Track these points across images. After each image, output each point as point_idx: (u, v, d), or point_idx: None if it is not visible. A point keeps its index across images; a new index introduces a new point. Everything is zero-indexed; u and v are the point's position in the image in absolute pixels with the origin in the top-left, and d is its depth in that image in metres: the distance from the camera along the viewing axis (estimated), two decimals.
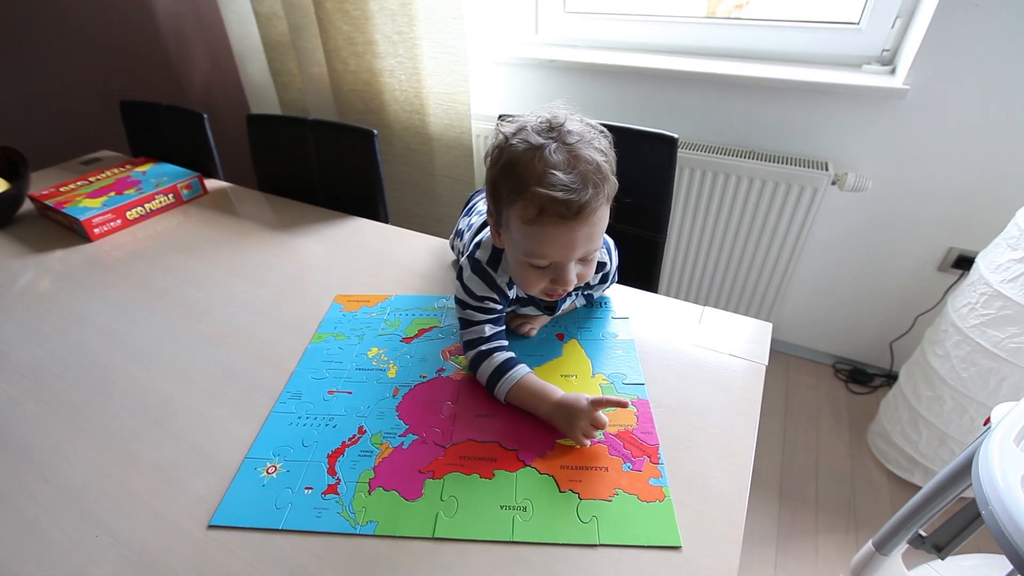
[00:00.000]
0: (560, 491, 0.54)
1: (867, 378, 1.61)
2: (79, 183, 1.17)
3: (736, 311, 1.05)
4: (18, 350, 0.77)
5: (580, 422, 0.58)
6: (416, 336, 0.76)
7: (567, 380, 0.67)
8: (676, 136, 0.93)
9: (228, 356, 0.74)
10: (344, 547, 0.50)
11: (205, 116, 1.25)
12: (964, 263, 1.33)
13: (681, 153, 1.40)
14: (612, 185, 0.57)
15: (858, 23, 1.29)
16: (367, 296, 0.85)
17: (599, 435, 0.59)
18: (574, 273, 0.60)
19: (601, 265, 0.71)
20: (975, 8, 1.07)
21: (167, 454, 0.60)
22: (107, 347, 0.77)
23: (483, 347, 0.66)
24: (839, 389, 1.62)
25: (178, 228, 1.09)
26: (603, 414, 0.58)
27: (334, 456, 0.59)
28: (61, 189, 1.14)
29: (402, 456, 0.58)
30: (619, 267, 0.79)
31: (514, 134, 0.57)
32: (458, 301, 0.68)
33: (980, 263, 1.09)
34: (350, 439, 0.61)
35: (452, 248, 0.90)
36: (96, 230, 1.05)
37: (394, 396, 0.66)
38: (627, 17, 1.51)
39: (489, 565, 0.48)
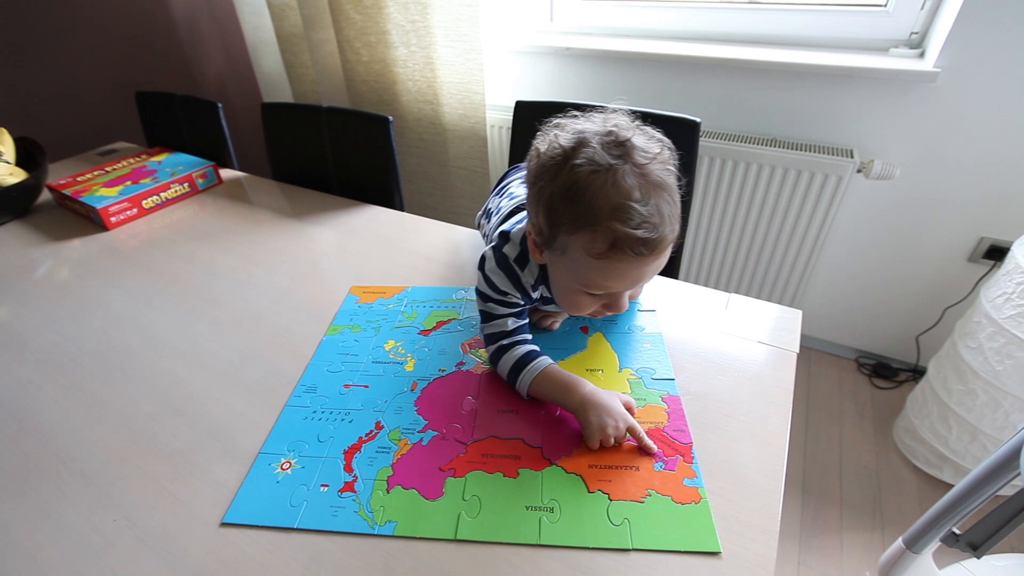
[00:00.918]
0: (589, 491, 0.51)
1: (892, 372, 1.57)
2: (96, 173, 1.17)
3: None
4: (37, 336, 0.77)
5: (610, 425, 0.54)
6: (434, 328, 0.74)
7: (593, 375, 0.64)
8: (698, 120, 0.91)
9: (244, 342, 0.73)
10: (362, 547, 0.47)
11: (219, 105, 1.25)
12: (997, 253, 1.28)
13: (702, 141, 1.37)
14: (679, 208, 0.52)
15: (885, 5, 1.25)
16: (383, 287, 0.83)
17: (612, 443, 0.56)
18: (627, 298, 0.57)
19: None
20: None
21: (185, 439, 0.59)
22: (124, 333, 0.76)
23: (504, 341, 0.63)
24: (863, 384, 1.58)
25: (193, 217, 1.09)
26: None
27: (351, 452, 0.57)
28: (78, 179, 1.14)
29: (421, 453, 0.56)
30: None
31: (576, 149, 0.50)
32: (479, 293, 0.64)
33: (1016, 251, 1.05)
34: (367, 435, 0.59)
35: (479, 226, 0.87)
36: (113, 219, 1.04)
37: (412, 390, 0.64)
38: (644, 3, 1.48)
39: (515, 569, 0.45)
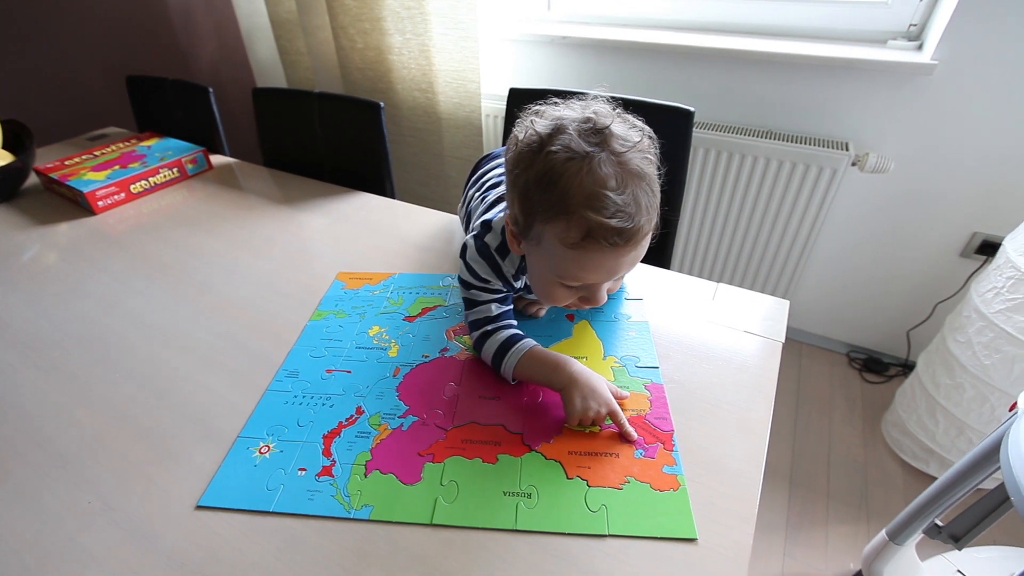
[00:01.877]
0: (567, 477, 0.52)
1: (882, 367, 1.57)
2: (84, 157, 1.16)
3: None
4: (19, 319, 0.76)
5: (592, 408, 0.54)
6: (420, 315, 0.74)
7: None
8: (692, 110, 0.90)
9: (228, 327, 0.73)
10: (337, 531, 0.47)
11: (210, 90, 1.24)
12: (988, 249, 1.28)
13: (697, 132, 1.36)
14: (658, 198, 0.51)
15: None
16: (370, 274, 0.82)
17: (596, 429, 0.56)
18: (605, 291, 0.56)
19: None
20: None
21: (164, 422, 0.59)
22: (108, 317, 0.76)
23: (489, 327, 0.62)
24: (853, 378, 1.58)
25: (182, 202, 1.08)
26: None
27: (330, 437, 0.57)
28: (66, 162, 1.13)
29: (401, 438, 0.56)
30: None
31: (552, 135, 0.49)
32: (462, 281, 0.64)
33: (1008, 246, 1.05)
34: (347, 419, 0.59)
35: (460, 219, 0.87)
36: (100, 203, 1.03)
37: (395, 376, 0.64)
38: None
39: (488, 553, 0.45)
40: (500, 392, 0.61)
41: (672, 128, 0.91)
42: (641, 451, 0.54)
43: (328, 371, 0.65)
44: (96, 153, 1.18)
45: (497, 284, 0.63)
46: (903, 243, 1.40)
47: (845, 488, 1.30)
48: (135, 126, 1.46)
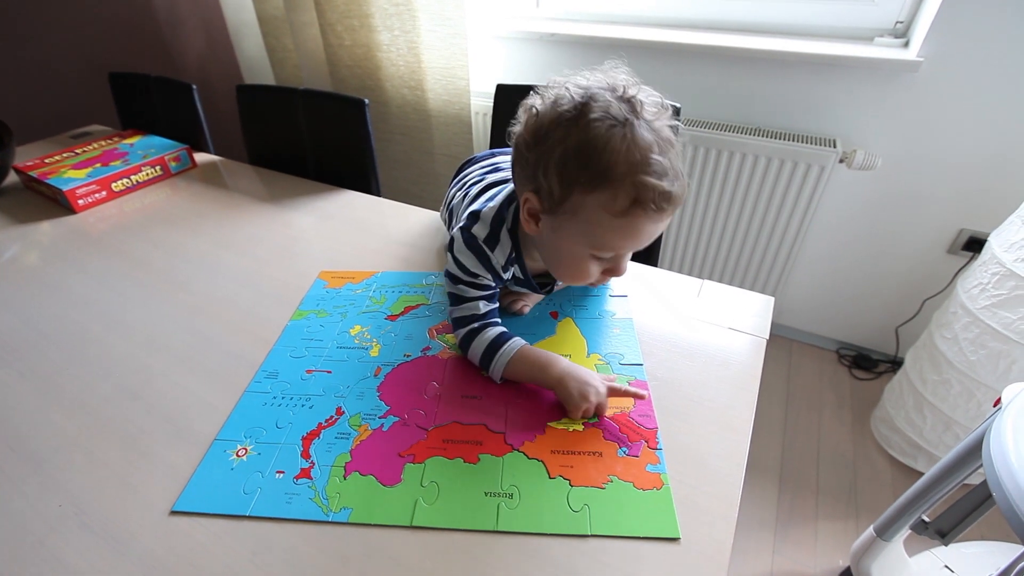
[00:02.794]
0: (550, 477, 0.51)
1: (871, 364, 1.58)
2: (65, 155, 1.14)
3: None
4: None
5: (591, 395, 0.54)
6: (402, 313, 0.73)
7: None
8: (678, 105, 0.89)
9: (208, 326, 0.72)
10: (314, 534, 0.46)
11: (194, 87, 1.22)
12: (975, 245, 1.29)
13: (686, 129, 1.36)
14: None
15: None
16: (352, 272, 0.81)
17: (594, 419, 0.56)
18: (627, 262, 0.57)
19: None
20: None
21: (140, 424, 0.58)
22: (85, 317, 0.74)
23: (475, 324, 0.61)
24: (842, 375, 1.59)
25: (165, 201, 1.06)
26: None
27: (309, 438, 0.56)
28: (46, 160, 1.11)
29: (382, 439, 0.55)
30: None
31: (588, 103, 0.49)
32: (449, 275, 0.63)
33: (993, 242, 1.05)
34: (327, 420, 0.57)
35: (443, 220, 0.86)
36: (80, 201, 1.02)
37: (376, 376, 0.63)
38: None
39: (468, 556, 0.45)
40: (482, 391, 0.60)
41: None
42: (624, 449, 0.53)
43: (308, 371, 0.64)
44: (77, 151, 1.16)
45: (486, 278, 0.62)
46: (891, 240, 1.40)
47: (834, 484, 1.30)
48: (119, 124, 1.44)
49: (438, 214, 0.94)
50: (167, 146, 1.17)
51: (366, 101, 1.02)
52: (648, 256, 0.98)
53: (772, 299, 0.71)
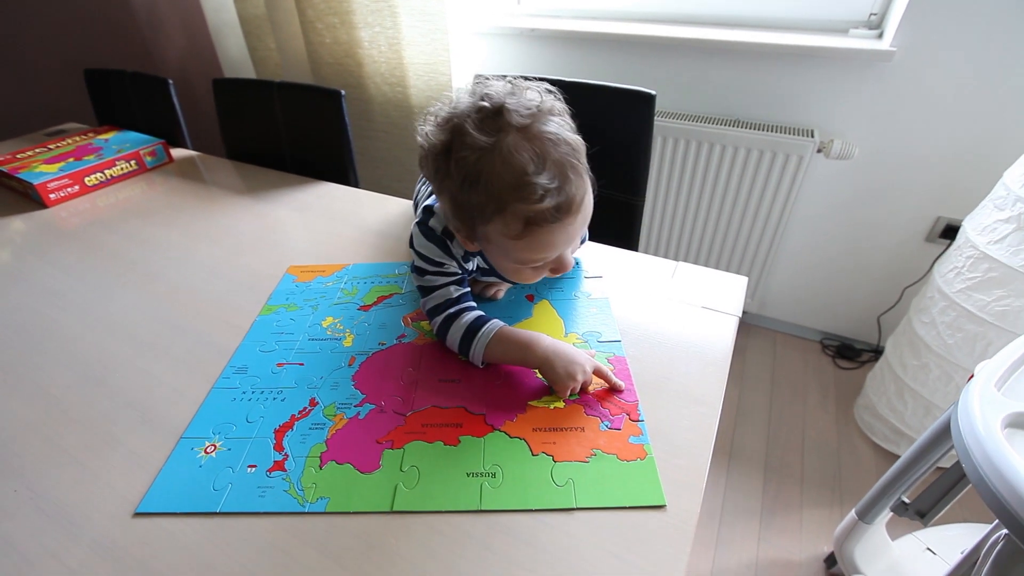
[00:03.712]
0: (533, 454, 0.50)
1: (855, 353, 1.59)
2: (37, 150, 1.13)
3: None
4: None
5: (578, 374, 0.54)
6: (375, 303, 0.72)
7: None
8: (653, 93, 0.90)
9: (177, 315, 0.71)
10: (290, 526, 0.45)
11: (170, 81, 1.21)
12: (952, 233, 1.30)
13: (664, 122, 1.37)
14: (583, 149, 0.50)
15: None
16: (322, 266, 0.80)
17: (574, 396, 0.56)
18: (570, 255, 0.56)
19: None
20: None
21: (102, 410, 0.57)
22: (50, 308, 0.73)
23: (451, 310, 0.61)
24: (826, 365, 1.60)
25: (140, 195, 1.05)
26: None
27: (282, 431, 0.54)
28: (18, 156, 1.10)
29: (358, 427, 0.54)
30: (593, 232, 0.75)
31: (453, 137, 0.48)
32: (415, 269, 0.62)
33: (967, 226, 1.07)
34: (300, 412, 0.56)
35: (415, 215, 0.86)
36: (52, 195, 1.00)
37: (350, 365, 0.62)
38: None
39: (449, 538, 0.44)
40: (460, 375, 0.60)
41: (634, 112, 0.91)
42: (607, 423, 0.53)
43: (279, 365, 0.63)
44: (50, 146, 1.14)
45: (451, 266, 0.62)
46: (871, 230, 1.41)
47: (819, 473, 1.30)
48: (96, 122, 1.42)
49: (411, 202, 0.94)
50: (142, 141, 1.16)
51: (342, 92, 1.01)
52: (626, 246, 0.99)
53: (745, 279, 0.71)
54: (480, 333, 0.58)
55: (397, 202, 0.96)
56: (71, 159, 1.08)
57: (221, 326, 0.68)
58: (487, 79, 0.53)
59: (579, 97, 0.93)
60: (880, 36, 1.24)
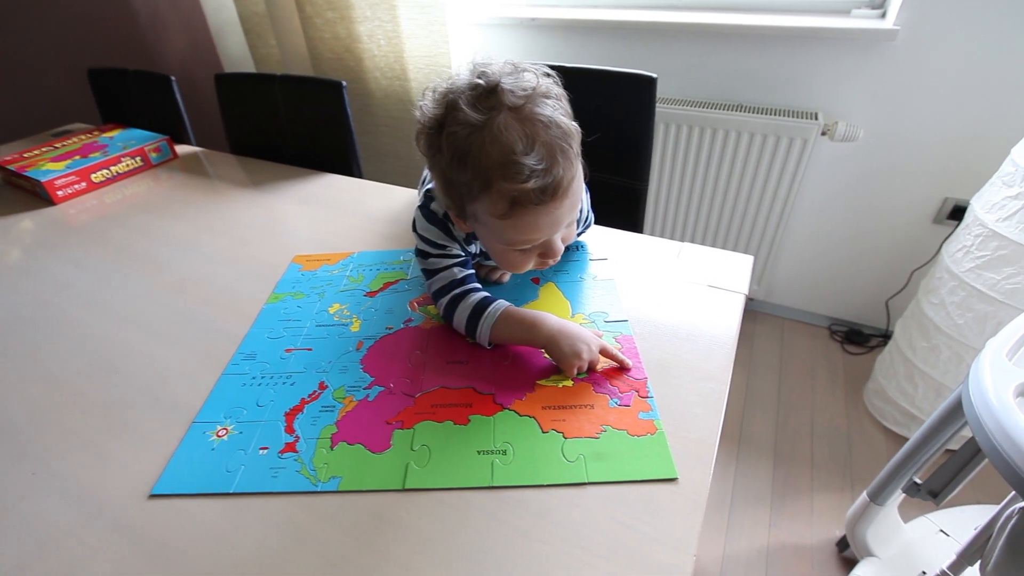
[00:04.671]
0: (543, 432, 0.51)
1: (863, 339, 1.58)
2: (44, 149, 1.14)
3: None
4: None
5: (584, 353, 0.54)
6: (381, 289, 0.72)
7: None
8: (655, 76, 0.89)
9: (186, 303, 0.71)
10: (304, 504, 0.45)
11: (172, 78, 1.22)
12: (960, 214, 1.29)
13: (667, 108, 1.36)
14: (577, 135, 0.51)
15: None
16: (328, 255, 0.81)
17: (582, 375, 0.56)
18: (560, 242, 0.56)
19: None
20: None
21: (115, 395, 0.57)
22: (62, 300, 0.74)
23: (456, 291, 0.61)
24: (835, 350, 1.59)
25: (146, 190, 1.06)
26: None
27: (292, 414, 0.55)
28: (25, 155, 1.11)
29: (367, 409, 0.55)
30: (598, 217, 0.76)
31: (446, 114, 0.48)
32: (419, 253, 0.63)
33: (975, 204, 1.06)
34: (310, 395, 0.57)
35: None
36: (60, 192, 1.01)
37: (358, 350, 0.62)
38: None
39: (462, 513, 0.44)
40: (468, 356, 0.60)
41: (635, 96, 0.91)
42: (616, 400, 0.53)
43: (288, 350, 0.63)
44: (56, 145, 1.15)
45: (455, 248, 0.62)
46: (878, 213, 1.40)
47: (829, 458, 1.30)
48: (100, 122, 1.43)
49: (415, 191, 0.94)
50: (146, 137, 1.17)
51: (343, 83, 1.02)
52: (633, 228, 0.98)
53: (751, 257, 0.71)
54: (486, 313, 0.58)
55: (401, 191, 0.96)
56: (77, 157, 1.09)
57: (229, 314, 0.68)
58: (490, 62, 0.53)
59: (580, 82, 0.94)
60: (883, 15, 1.22)
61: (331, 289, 0.73)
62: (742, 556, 1.12)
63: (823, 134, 1.28)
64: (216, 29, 1.93)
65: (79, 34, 1.58)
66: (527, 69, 0.51)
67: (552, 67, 0.54)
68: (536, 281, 0.71)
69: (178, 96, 1.23)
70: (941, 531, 1.02)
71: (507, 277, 0.71)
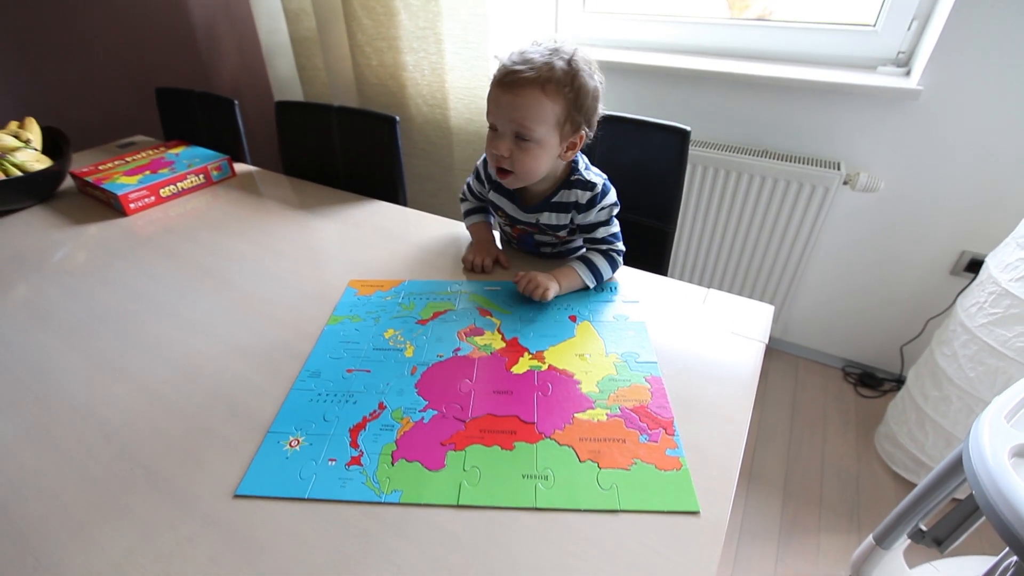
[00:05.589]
0: (580, 461, 0.56)
1: (877, 382, 1.61)
2: (116, 162, 1.23)
3: None
4: (59, 309, 0.82)
5: (471, 255, 0.87)
6: (431, 318, 0.79)
7: (582, 358, 0.70)
8: (688, 129, 0.96)
9: (252, 319, 0.78)
10: (371, 513, 0.51)
11: (235, 102, 1.31)
12: (977, 266, 1.33)
13: (695, 150, 1.43)
14: (565, 89, 0.71)
15: (874, 25, 1.31)
16: (381, 281, 0.87)
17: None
18: (506, 145, 0.74)
19: (590, 185, 0.80)
20: (990, 9, 1.08)
21: (196, 403, 0.64)
22: (139, 308, 0.82)
23: (466, 202, 0.96)
24: (848, 392, 1.62)
25: (207, 206, 1.14)
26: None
27: (356, 430, 0.61)
28: (100, 167, 1.20)
29: (423, 430, 0.60)
30: (627, 257, 0.83)
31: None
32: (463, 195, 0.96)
33: (990, 262, 1.10)
34: (371, 414, 0.63)
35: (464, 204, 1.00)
36: (132, 205, 1.10)
37: (412, 374, 0.69)
38: (645, 17, 1.54)
39: (511, 530, 0.49)
40: (512, 387, 0.66)
41: (669, 146, 0.98)
42: (646, 436, 0.59)
43: (348, 371, 0.70)
44: (128, 159, 1.25)
45: (478, 166, 0.91)
46: (896, 261, 1.44)
47: (837, 498, 1.33)
48: (162, 135, 1.54)
49: (459, 224, 1.01)
50: (210, 156, 1.26)
51: (397, 119, 1.10)
52: (658, 268, 1.04)
53: (772, 307, 0.76)
54: (466, 220, 0.95)
55: (443, 222, 1.03)
56: (147, 172, 1.18)
57: (293, 332, 0.76)
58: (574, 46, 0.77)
59: (619, 130, 1.01)
60: (908, 74, 1.28)
61: (385, 315, 0.80)
62: None
63: (845, 183, 1.34)
64: (268, 50, 2.05)
65: (141, 49, 1.70)
66: (589, 61, 0.76)
67: None
68: (573, 319, 0.77)
69: (239, 119, 1.32)
70: None
71: (551, 295, 0.78)
